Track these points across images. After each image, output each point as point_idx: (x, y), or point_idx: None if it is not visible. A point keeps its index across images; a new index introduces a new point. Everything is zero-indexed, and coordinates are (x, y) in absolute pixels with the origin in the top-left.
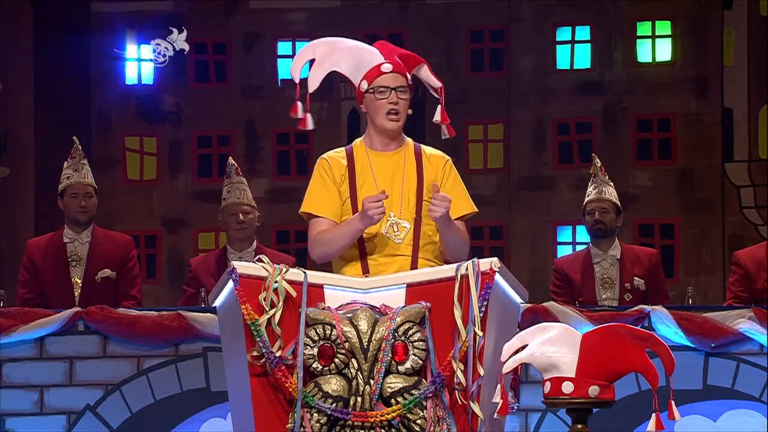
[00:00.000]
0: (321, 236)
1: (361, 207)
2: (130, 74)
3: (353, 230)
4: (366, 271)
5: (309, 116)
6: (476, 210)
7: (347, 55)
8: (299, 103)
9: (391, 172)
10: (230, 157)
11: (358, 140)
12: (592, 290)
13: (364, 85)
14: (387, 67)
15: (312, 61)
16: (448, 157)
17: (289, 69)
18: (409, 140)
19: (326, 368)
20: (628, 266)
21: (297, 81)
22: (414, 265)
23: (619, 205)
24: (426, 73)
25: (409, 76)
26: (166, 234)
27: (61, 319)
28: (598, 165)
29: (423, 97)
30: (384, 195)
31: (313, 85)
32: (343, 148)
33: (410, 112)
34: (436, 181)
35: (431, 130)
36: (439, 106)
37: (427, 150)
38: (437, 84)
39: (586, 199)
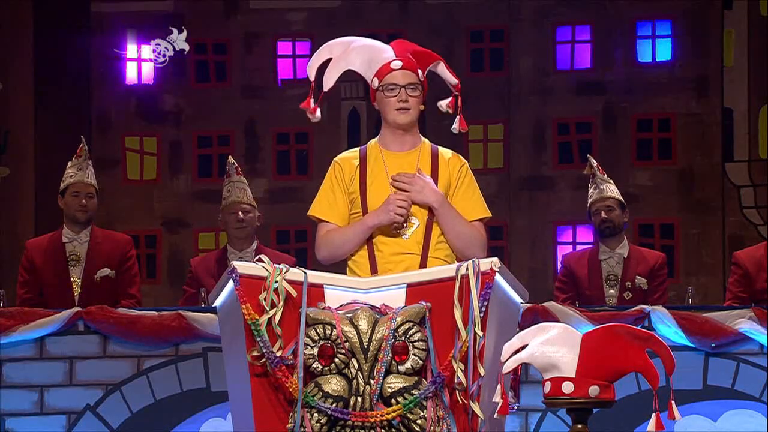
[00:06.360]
0: (329, 236)
1: (372, 206)
2: (130, 74)
3: (364, 226)
4: (374, 269)
5: (318, 110)
6: (489, 215)
7: (361, 53)
8: (311, 99)
9: (404, 171)
10: (230, 156)
11: (373, 140)
12: (599, 287)
13: (375, 83)
14: (397, 64)
15: (328, 61)
16: (465, 161)
17: (288, 69)
18: (426, 141)
19: (326, 368)
20: (631, 265)
21: (312, 79)
22: (423, 264)
23: (623, 200)
24: (443, 70)
25: (421, 73)
26: (166, 234)
27: (61, 319)
28: (594, 165)
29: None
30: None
31: (328, 84)
32: (357, 149)
33: (423, 107)
34: (451, 183)
35: (433, 130)
36: (449, 99)
37: (445, 153)
38: (454, 81)
39: (589, 200)
